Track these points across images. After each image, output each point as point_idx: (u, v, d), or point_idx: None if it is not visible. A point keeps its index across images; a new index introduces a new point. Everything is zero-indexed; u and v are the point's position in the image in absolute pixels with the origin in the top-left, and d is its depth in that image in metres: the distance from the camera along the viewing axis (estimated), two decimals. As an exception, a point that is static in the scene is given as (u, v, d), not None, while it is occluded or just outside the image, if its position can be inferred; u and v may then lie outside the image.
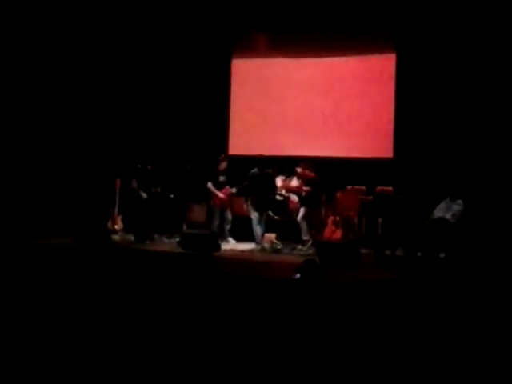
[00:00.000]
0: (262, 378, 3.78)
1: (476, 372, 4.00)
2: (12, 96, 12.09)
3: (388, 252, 10.05)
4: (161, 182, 11.42)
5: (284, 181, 11.39)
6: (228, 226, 11.38)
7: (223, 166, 11.28)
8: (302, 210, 10.77)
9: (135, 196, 11.32)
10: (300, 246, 10.71)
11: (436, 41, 11.31)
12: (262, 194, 10.47)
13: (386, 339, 4.70)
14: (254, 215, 10.42)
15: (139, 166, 11.44)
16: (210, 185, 11.16)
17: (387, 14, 11.77)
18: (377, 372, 3.95)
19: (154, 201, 11.32)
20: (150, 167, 11.42)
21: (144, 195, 11.25)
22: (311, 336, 4.70)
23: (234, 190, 11.26)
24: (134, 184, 11.33)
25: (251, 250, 10.39)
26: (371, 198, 10.90)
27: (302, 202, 10.84)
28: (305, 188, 10.70)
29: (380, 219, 10.51)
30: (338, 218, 10.87)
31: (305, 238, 10.62)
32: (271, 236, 11.03)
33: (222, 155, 11.55)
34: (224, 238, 11.14)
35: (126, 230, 11.83)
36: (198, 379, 3.72)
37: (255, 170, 10.56)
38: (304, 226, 10.65)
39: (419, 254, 9.45)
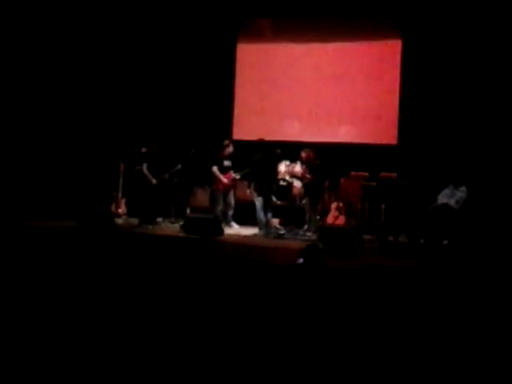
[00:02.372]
0: (264, 363, 3.79)
1: (478, 360, 4.01)
2: (16, 80, 12.08)
3: (391, 238, 10.05)
4: (169, 168, 11.31)
5: (288, 166, 11.39)
6: (231, 211, 11.38)
7: (229, 150, 11.24)
8: (307, 200, 10.76)
9: (143, 180, 11.20)
10: (302, 232, 10.72)
11: (442, 28, 11.25)
12: (266, 179, 10.46)
13: (388, 325, 4.71)
14: (258, 200, 10.40)
15: (144, 150, 11.39)
16: (214, 169, 11.14)
17: (394, 4, 11.73)
18: (378, 358, 3.96)
19: (161, 187, 11.25)
20: (155, 151, 11.29)
21: (154, 181, 11.16)
22: (314, 321, 4.72)
23: (237, 176, 11.26)
24: (145, 169, 11.20)
25: (254, 235, 10.40)
26: (375, 184, 10.89)
27: (306, 190, 10.84)
28: (308, 176, 10.66)
29: (383, 205, 10.51)
30: (341, 204, 10.88)
31: (313, 227, 10.54)
32: (274, 221, 11.05)
33: (227, 140, 11.50)
34: (227, 223, 11.15)
35: (129, 213, 11.85)
36: (199, 364, 3.74)
37: (259, 155, 10.54)
38: (313, 217, 10.63)
39: (422, 240, 9.45)
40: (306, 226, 10.84)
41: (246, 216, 11.28)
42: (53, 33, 12.27)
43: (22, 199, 11.37)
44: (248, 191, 10.94)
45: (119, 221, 11.39)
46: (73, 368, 3.52)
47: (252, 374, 3.61)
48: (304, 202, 10.99)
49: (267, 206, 10.45)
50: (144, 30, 12.89)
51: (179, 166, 11.27)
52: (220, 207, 11.21)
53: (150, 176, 11.13)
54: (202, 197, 11.99)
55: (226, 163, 11.23)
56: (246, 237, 10.29)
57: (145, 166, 11.16)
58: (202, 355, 3.84)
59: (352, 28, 12.21)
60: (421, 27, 11.47)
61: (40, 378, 3.41)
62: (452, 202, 9.32)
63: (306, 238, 10.21)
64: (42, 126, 12.27)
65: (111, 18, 12.67)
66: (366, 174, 11.22)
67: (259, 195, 10.40)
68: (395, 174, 10.84)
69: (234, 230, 11.08)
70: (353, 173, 11.26)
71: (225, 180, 11.14)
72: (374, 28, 12.02)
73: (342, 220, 10.74)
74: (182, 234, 10.02)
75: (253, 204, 10.55)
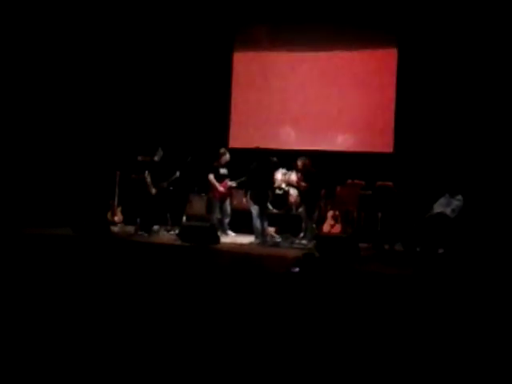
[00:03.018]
0: (258, 370, 3.79)
1: (474, 367, 4.01)
2: (14, 87, 12.10)
3: (387, 247, 10.06)
4: (167, 177, 11.26)
5: (284, 174, 11.42)
6: (227, 219, 11.38)
7: (225, 158, 11.26)
8: (303, 209, 10.78)
9: (143, 188, 11.10)
10: (298, 240, 10.72)
11: (437, 36, 11.32)
12: (262, 187, 10.46)
13: (383, 334, 4.71)
14: (254, 209, 10.40)
15: (140, 158, 11.35)
16: (211, 177, 11.14)
17: (389, 7, 11.77)
18: (373, 364, 3.96)
19: (160, 196, 11.20)
20: (159, 159, 11.24)
21: (153, 191, 11.08)
22: (309, 329, 4.72)
23: (233, 184, 11.27)
24: (147, 177, 11.09)
25: (250, 243, 10.39)
26: (371, 192, 10.90)
27: (302, 198, 10.85)
28: (302, 183, 10.66)
29: (379, 214, 10.52)
30: (337, 213, 10.89)
31: (309, 235, 10.54)
32: (271, 229, 11.05)
33: (223, 148, 11.50)
34: (223, 231, 11.15)
35: (125, 221, 11.83)
36: (194, 370, 3.74)
37: (255, 164, 10.54)
38: (309, 225, 10.62)
39: (418, 249, 9.45)
40: (302, 234, 10.86)
41: (242, 224, 11.28)
42: (43, 47, 12.32)
43: (18, 207, 11.35)
44: (244, 199, 10.94)
45: (115, 229, 11.36)
46: (62, 373, 3.52)
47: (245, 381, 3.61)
48: (300, 210, 11.01)
49: (263, 214, 10.45)
50: (140, 39, 12.93)
51: (177, 174, 11.24)
52: (216, 215, 11.20)
53: (151, 185, 11.09)
54: (198, 205, 11.98)
55: (222, 171, 11.23)
56: (242, 245, 10.27)
57: (147, 174, 11.12)
58: (197, 363, 3.84)
59: (348, 37, 12.28)
60: (416, 36, 11.54)
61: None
62: (448, 211, 9.34)
63: (302, 246, 10.21)
64: (37, 133, 12.28)
65: (106, 27, 12.71)
66: (363, 182, 11.23)
67: (255, 203, 10.40)
68: (391, 183, 10.84)
69: (231, 238, 11.07)
70: (349, 181, 11.27)
71: (221, 188, 11.13)
72: (370, 37, 12.07)
73: (338, 228, 10.74)
74: (178, 242, 10.01)
75: (249, 212, 10.55)
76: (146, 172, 11.08)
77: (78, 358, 3.81)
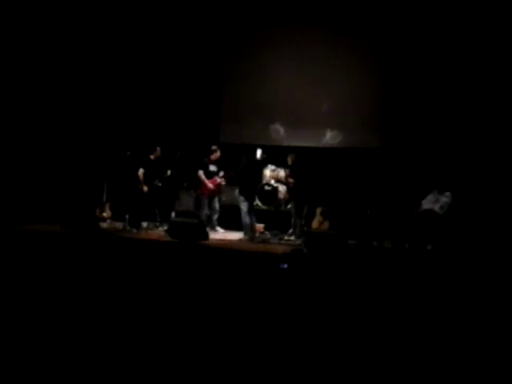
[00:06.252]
0: (246, 364, 3.79)
1: (461, 360, 4.03)
2: (8, 88, 12.06)
3: (375, 243, 10.08)
4: (159, 175, 11.20)
5: (273, 171, 11.43)
6: (216, 216, 11.37)
7: (216, 155, 11.25)
8: (292, 205, 10.79)
9: (135, 185, 11.04)
10: (287, 236, 10.73)
11: (423, 35, 11.41)
12: (251, 183, 10.46)
13: (372, 329, 4.73)
14: (244, 205, 10.40)
15: (128, 153, 11.31)
16: (200, 173, 11.12)
17: (376, 11, 11.88)
18: (361, 360, 3.97)
19: (150, 192, 11.17)
20: (152, 157, 11.20)
21: (145, 188, 11.03)
22: (297, 324, 4.73)
23: (223, 181, 11.26)
24: (141, 174, 11.03)
25: (239, 240, 10.39)
26: (359, 188, 10.92)
27: (291, 195, 10.87)
28: (291, 180, 10.69)
29: (368, 210, 10.54)
30: (325, 209, 10.90)
31: (298, 232, 10.55)
32: (260, 226, 11.05)
33: (215, 146, 11.47)
34: (212, 227, 11.14)
35: (114, 217, 11.79)
36: (182, 364, 3.74)
37: (244, 160, 10.54)
38: (298, 222, 10.63)
39: (407, 245, 9.49)
40: (290, 231, 10.87)
41: (230, 220, 11.28)
42: (31, 44, 12.27)
43: (6, 203, 11.30)
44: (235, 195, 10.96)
45: (104, 225, 11.33)
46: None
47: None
48: (289, 206, 11.02)
49: (252, 211, 10.46)
50: (130, 35, 12.90)
51: (169, 173, 11.22)
52: (205, 212, 11.19)
53: (143, 183, 11.06)
54: (187, 201, 11.96)
55: (212, 168, 11.22)
56: (231, 241, 10.27)
57: (141, 171, 11.10)
58: (185, 356, 3.84)
59: (338, 36, 12.34)
60: (403, 35, 11.61)
61: None
62: (436, 208, 9.37)
63: (290, 242, 10.22)
64: (26, 130, 12.22)
65: (93, 23, 12.67)
66: (351, 178, 11.25)
67: (245, 199, 10.40)
68: (380, 179, 10.87)
69: (219, 234, 11.07)
70: (337, 177, 11.30)
71: (210, 185, 11.12)
72: (358, 37, 12.14)
73: (326, 225, 10.76)
74: (166, 239, 9.99)
75: (237, 208, 10.55)
76: (141, 169, 11.03)
77: (66, 352, 3.80)
